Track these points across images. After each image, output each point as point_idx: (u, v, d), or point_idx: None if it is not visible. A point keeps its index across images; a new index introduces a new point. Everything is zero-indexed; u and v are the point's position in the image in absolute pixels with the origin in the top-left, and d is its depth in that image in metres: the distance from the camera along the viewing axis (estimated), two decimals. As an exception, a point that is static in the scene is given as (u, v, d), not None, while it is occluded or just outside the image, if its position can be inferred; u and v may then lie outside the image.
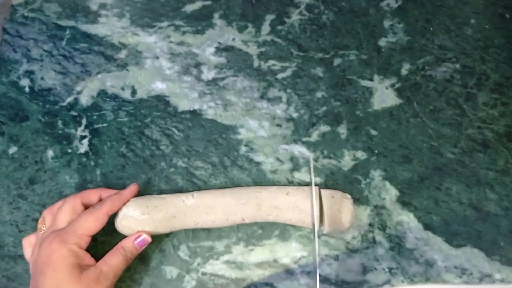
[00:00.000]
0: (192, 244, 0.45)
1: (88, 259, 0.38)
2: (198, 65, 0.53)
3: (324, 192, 0.44)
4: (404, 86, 0.53)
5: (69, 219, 0.39)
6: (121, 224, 0.41)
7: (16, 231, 0.46)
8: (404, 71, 0.54)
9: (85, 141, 0.49)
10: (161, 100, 0.51)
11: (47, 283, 0.36)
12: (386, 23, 0.56)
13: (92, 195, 0.42)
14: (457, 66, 0.54)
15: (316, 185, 0.48)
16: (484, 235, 0.46)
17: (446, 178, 0.49)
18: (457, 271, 0.45)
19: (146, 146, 0.49)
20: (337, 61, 0.54)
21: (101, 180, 0.48)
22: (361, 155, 0.50)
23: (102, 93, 0.52)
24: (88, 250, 0.39)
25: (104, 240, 0.44)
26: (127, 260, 0.40)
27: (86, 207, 0.41)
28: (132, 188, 0.43)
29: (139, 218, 0.41)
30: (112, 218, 0.42)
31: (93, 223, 0.39)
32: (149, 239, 0.41)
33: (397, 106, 0.52)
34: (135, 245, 0.41)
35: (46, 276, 0.36)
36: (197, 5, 0.56)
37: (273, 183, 0.48)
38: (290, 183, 0.48)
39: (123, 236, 0.42)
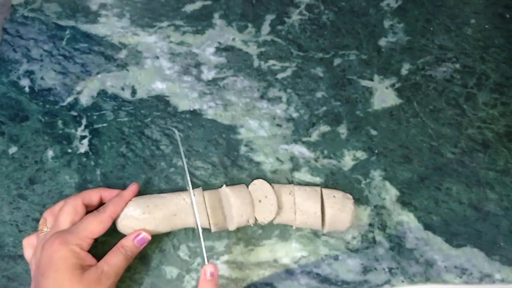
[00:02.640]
0: (192, 244, 0.45)
1: (89, 259, 0.38)
2: (198, 65, 0.53)
3: (326, 191, 0.44)
4: (404, 86, 0.53)
5: (70, 220, 0.39)
6: (122, 224, 0.41)
7: (16, 231, 0.46)
8: (404, 71, 0.54)
9: (85, 141, 0.49)
10: (161, 100, 0.51)
11: (49, 284, 0.35)
12: (386, 23, 0.56)
13: (93, 195, 0.42)
14: (457, 66, 0.54)
15: (316, 185, 0.48)
16: (484, 235, 0.46)
17: (446, 178, 0.49)
18: (457, 271, 0.45)
19: (146, 146, 0.49)
20: (337, 61, 0.54)
21: (101, 180, 0.48)
22: (361, 155, 0.50)
23: (102, 93, 0.52)
24: (88, 250, 0.39)
25: (105, 240, 0.44)
26: (127, 259, 0.40)
27: (87, 207, 0.41)
28: (133, 187, 0.43)
29: (140, 217, 0.41)
30: (113, 218, 0.42)
31: (96, 225, 0.39)
32: (149, 237, 0.41)
33: (397, 106, 0.52)
34: (135, 244, 0.41)
35: (48, 277, 0.36)
36: (197, 5, 0.56)
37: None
38: (290, 183, 0.48)
39: (124, 236, 0.42)
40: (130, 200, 0.42)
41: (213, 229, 0.43)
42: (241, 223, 0.42)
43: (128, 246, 0.40)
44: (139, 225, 0.41)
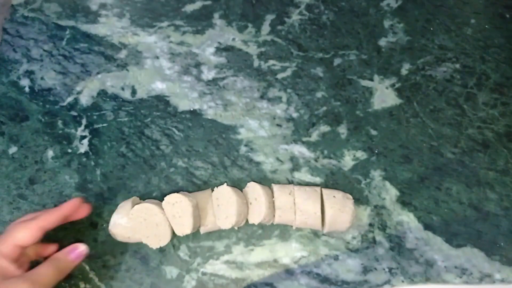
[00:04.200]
0: (192, 244, 0.45)
1: (12, 269, 0.36)
2: (198, 65, 0.53)
3: (326, 191, 0.44)
4: (404, 86, 0.53)
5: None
6: (112, 232, 0.42)
7: (16, 231, 0.46)
8: (404, 71, 0.54)
9: (85, 141, 0.49)
10: (161, 100, 0.51)
11: None
12: (386, 23, 0.56)
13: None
14: (457, 66, 0.54)
15: (316, 185, 0.48)
16: (484, 235, 0.46)
17: (446, 178, 0.49)
18: (457, 271, 0.45)
19: (146, 146, 0.49)
20: (337, 61, 0.54)
21: (101, 180, 0.48)
22: (361, 155, 0.50)
23: (102, 93, 0.52)
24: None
25: (104, 240, 0.44)
26: (59, 273, 0.38)
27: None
28: (73, 202, 0.41)
29: (127, 225, 0.41)
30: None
31: (23, 233, 0.37)
32: (86, 252, 0.39)
33: (397, 106, 0.52)
34: (69, 258, 0.39)
35: None
36: (197, 5, 0.56)
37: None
38: (290, 183, 0.48)
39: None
40: (66, 214, 0.40)
41: (202, 230, 0.43)
42: (239, 222, 0.42)
43: (61, 259, 0.38)
44: (127, 233, 0.41)
